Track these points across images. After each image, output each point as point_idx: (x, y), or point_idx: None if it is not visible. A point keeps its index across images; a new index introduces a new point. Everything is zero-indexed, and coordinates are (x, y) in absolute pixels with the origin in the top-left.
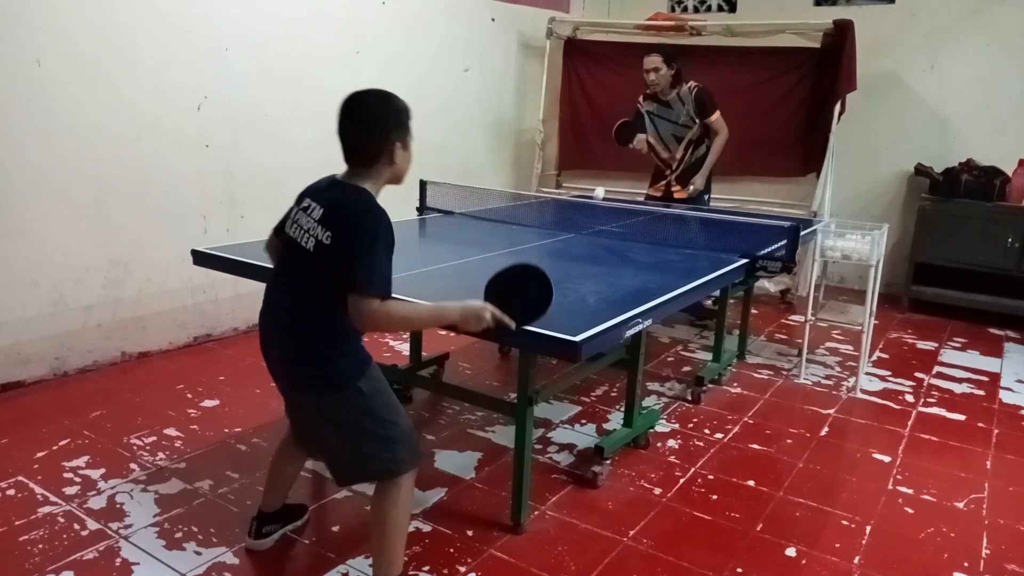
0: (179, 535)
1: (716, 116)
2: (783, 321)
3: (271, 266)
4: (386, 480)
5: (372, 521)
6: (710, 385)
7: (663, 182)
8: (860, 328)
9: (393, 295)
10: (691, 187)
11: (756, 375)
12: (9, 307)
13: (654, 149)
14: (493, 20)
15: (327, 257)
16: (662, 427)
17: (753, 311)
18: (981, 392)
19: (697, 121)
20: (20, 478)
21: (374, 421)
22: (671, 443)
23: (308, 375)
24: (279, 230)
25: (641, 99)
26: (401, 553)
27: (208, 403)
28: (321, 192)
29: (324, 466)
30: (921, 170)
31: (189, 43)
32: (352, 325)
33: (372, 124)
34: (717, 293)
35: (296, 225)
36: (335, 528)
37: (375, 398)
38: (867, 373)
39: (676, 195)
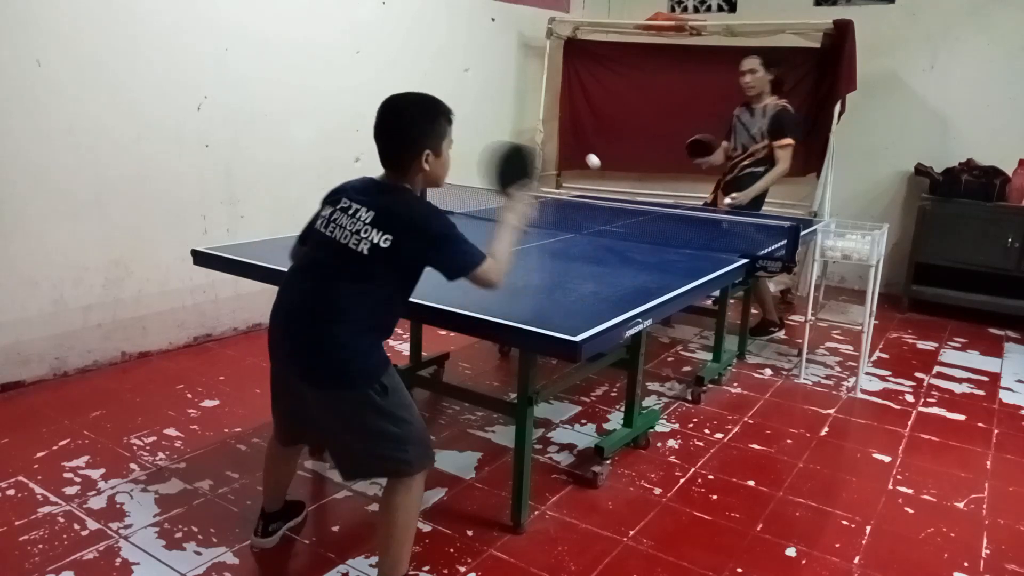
0: (179, 535)
1: (784, 142)
2: (783, 321)
3: (272, 266)
4: (395, 481)
5: (380, 520)
6: (710, 385)
7: (714, 187)
8: (860, 328)
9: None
10: (728, 200)
11: (756, 375)
12: (9, 307)
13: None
14: (493, 20)
15: (387, 259)
16: (662, 427)
17: (753, 311)
18: (981, 392)
19: (766, 140)
20: (20, 478)
21: (391, 420)
22: (671, 443)
23: (338, 371)
24: (306, 236)
25: (737, 108)
26: (408, 553)
27: (208, 403)
28: (364, 194)
29: (324, 466)
30: (921, 170)
31: (189, 43)
32: (387, 322)
33: (401, 135)
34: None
35: (335, 224)
36: (335, 528)
37: (394, 396)
38: (867, 373)
39: (718, 203)
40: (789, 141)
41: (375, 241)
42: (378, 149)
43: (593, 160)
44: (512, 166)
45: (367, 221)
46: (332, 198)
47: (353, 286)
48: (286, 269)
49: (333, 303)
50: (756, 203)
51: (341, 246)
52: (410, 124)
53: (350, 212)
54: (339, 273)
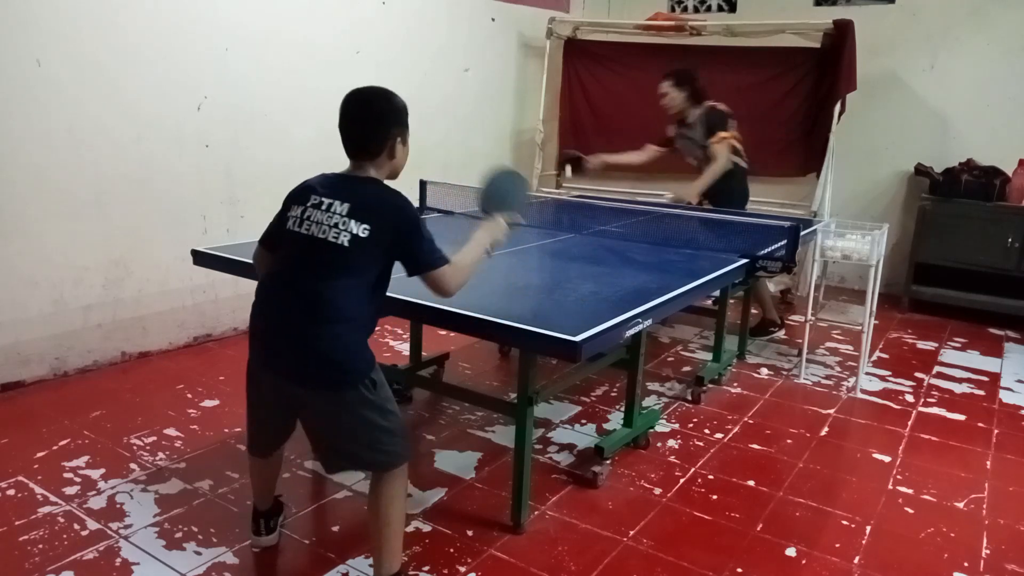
0: (179, 535)
1: (715, 139)
2: (784, 320)
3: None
4: (384, 474)
5: (371, 518)
6: (710, 385)
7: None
8: (860, 328)
9: (389, 294)
10: (670, 196)
11: (756, 375)
12: (9, 307)
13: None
14: (493, 20)
15: (367, 248)
16: (662, 427)
17: (753, 311)
18: (981, 392)
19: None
20: (20, 478)
21: (381, 413)
22: (671, 443)
23: (333, 370)
24: (270, 240)
25: (674, 128)
26: (401, 547)
27: (208, 403)
28: (334, 188)
29: (323, 466)
30: (921, 170)
31: (189, 43)
32: (371, 317)
33: (374, 120)
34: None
35: (310, 221)
36: (335, 528)
37: (382, 390)
38: (867, 373)
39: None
40: (719, 136)
41: (354, 232)
42: (346, 139)
43: (567, 172)
44: (505, 193)
45: (343, 213)
46: (299, 197)
47: (336, 281)
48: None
49: (320, 301)
50: (741, 202)
51: (320, 241)
52: (381, 111)
53: (323, 207)
54: (321, 269)
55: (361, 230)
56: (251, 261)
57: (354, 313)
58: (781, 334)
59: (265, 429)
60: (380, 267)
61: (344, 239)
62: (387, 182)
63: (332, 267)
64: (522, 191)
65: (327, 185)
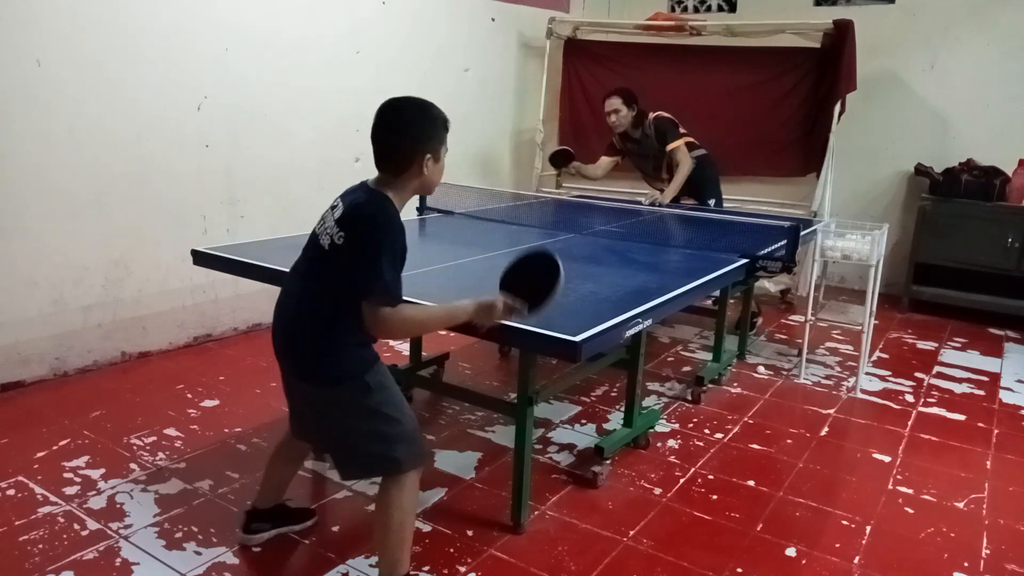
0: (179, 535)
1: (675, 145)
2: (783, 321)
3: (272, 266)
4: (387, 479)
5: (375, 521)
6: (710, 385)
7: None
8: (860, 328)
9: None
10: (647, 202)
11: (756, 375)
12: (9, 307)
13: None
14: (493, 20)
15: (337, 256)
16: (662, 427)
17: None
18: (981, 392)
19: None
20: (20, 478)
21: (373, 418)
22: (671, 443)
23: (311, 365)
24: None
25: (620, 143)
26: (406, 553)
27: (208, 403)
28: (345, 194)
29: (324, 466)
30: (921, 170)
31: (189, 43)
32: (353, 324)
33: (404, 134)
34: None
35: (321, 223)
36: (335, 528)
37: (377, 395)
38: (867, 373)
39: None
40: (674, 144)
41: (334, 237)
42: (375, 150)
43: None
44: (531, 280)
45: (336, 218)
46: (334, 200)
47: (318, 282)
48: (286, 269)
49: (307, 300)
50: (716, 184)
51: (317, 242)
52: (412, 125)
53: (333, 210)
54: (313, 269)
55: (338, 237)
56: (252, 261)
57: (333, 315)
58: (759, 321)
59: (292, 415)
60: (347, 276)
61: (325, 242)
62: (415, 198)
63: (315, 268)
64: (548, 290)
65: (349, 191)
